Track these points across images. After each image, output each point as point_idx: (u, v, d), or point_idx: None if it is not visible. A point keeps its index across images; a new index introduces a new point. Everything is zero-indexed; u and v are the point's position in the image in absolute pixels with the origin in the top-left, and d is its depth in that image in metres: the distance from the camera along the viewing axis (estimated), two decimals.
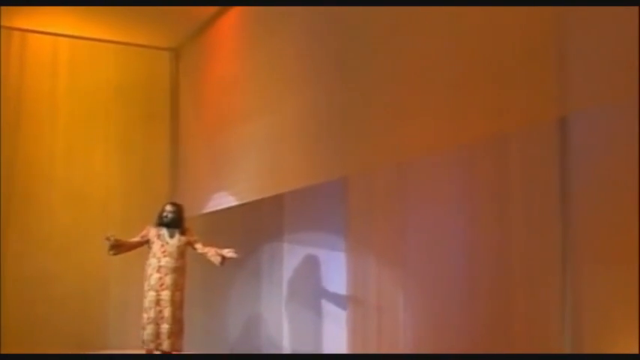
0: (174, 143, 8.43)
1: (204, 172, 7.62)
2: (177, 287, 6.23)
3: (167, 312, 6.15)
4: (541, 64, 3.59)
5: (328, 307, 6.31)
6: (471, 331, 4.50)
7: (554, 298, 3.89)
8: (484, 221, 4.53)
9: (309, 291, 6.56)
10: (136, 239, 6.36)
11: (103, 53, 8.24)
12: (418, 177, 5.14)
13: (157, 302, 6.16)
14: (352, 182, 5.84)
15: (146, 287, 6.23)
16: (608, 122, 3.62)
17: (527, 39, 3.68)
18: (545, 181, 3.98)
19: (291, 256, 6.87)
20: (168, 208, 6.46)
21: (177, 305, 6.21)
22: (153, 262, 6.26)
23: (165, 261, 6.23)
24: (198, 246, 6.36)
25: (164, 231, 6.34)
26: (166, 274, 6.20)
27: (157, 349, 6.14)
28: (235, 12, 7.13)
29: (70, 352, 7.10)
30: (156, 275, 6.21)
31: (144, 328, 6.16)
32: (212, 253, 6.26)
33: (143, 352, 6.23)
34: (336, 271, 6.13)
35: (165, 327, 6.13)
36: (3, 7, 7.01)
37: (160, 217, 6.41)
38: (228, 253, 6.18)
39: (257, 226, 7.20)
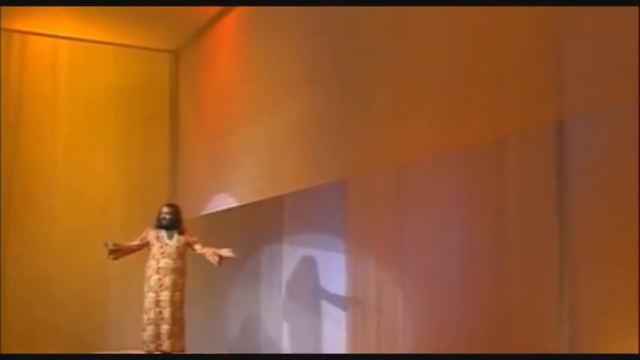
0: (174, 145, 8.45)
1: (204, 174, 7.64)
2: (177, 288, 6.26)
3: (167, 313, 6.17)
4: (539, 67, 3.62)
5: (327, 308, 6.33)
6: (469, 331, 4.53)
7: (552, 299, 3.91)
8: (482, 223, 4.56)
9: (309, 292, 6.58)
10: (136, 242, 6.39)
11: (103, 55, 8.25)
12: (417, 179, 5.17)
13: (157, 303, 6.19)
14: (351, 184, 5.87)
15: (146, 289, 6.26)
16: (605, 126, 3.65)
17: (525, 42, 3.71)
18: (543, 183, 4.01)
19: (291, 257, 6.89)
20: (165, 209, 6.49)
21: (176, 306, 6.24)
22: (152, 263, 6.29)
23: (164, 262, 6.26)
24: (197, 247, 6.39)
25: (163, 233, 6.38)
26: (165, 275, 6.23)
27: (157, 350, 6.16)
28: (235, 14, 7.15)
29: (70, 353, 7.13)
30: (155, 276, 6.24)
31: (144, 330, 6.19)
32: (210, 254, 6.29)
33: (143, 352, 6.26)
34: (335, 272, 6.16)
35: (165, 328, 6.16)
36: (3, 10, 7.03)
37: (158, 219, 6.44)
38: (225, 252, 6.21)
39: (257, 228, 7.23)
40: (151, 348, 6.17)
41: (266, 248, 7.20)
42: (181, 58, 8.55)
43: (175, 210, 6.52)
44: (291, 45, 6.03)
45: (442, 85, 4.24)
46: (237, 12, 7.09)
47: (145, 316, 6.21)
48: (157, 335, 6.15)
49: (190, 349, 6.49)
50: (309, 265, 6.58)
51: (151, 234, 6.39)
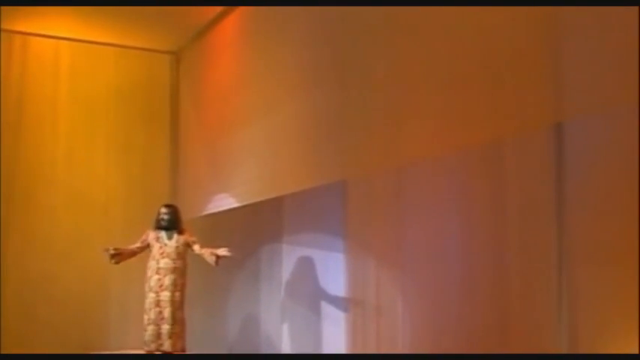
0: (175, 145, 8.47)
1: (205, 175, 7.66)
2: (177, 288, 6.28)
3: (167, 312, 6.20)
4: (537, 69, 3.64)
5: (327, 309, 6.34)
6: (469, 331, 4.54)
7: (551, 300, 3.93)
8: (481, 224, 4.57)
9: (308, 292, 6.58)
10: (137, 245, 6.42)
11: (103, 56, 8.28)
12: (416, 180, 5.17)
13: (157, 303, 6.21)
14: (351, 185, 5.88)
15: (146, 289, 6.29)
16: (604, 127, 3.66)
17: (524, 44, 3.73)
18: (542, 184, 4.02)
19: (291, 257, 6.89)
20: (164, 210, 6.52)
21: (177, 306, 6.26)
22: (152, 264, 6.32)
23: (164, 262, 6.28)
24: (196, 247, 6.41)
25: (162, 233, 6.41)
26: (165, 275, 6.26)
27: (158, 350, 6.19)
28: (235, 16, 7.17)
29: (70, 353, 7.15)
30: (155, 277, 6.26)
31: (145, 330, 6.21)
32: (207, 254, 6.31)
33: (144, 352, 6.28)
34: (335, 272, 6.16)
35: (165, 327, 6.18)
36: (4, 12, 7.05)
37: (157, 220, 6.47)
38: (222, 252, 6.23)
39: (257, 228, 7.23)
40: (151, 348, 6.19)
41: (266, 248, 7.20)
42: (182, 59, 8.57)
43: (174, 210, 6.55)
44: (291, 46, 6.05)
45: (441, 86, 4.27)
46: (238, 13, 7.11)
47: (146, 316, 6.23)
48: (158, 335, 6.17)
49: (190, 349, 6.50)
50: (308, 266, 6.59)
51: (151, 235, 6.41)
